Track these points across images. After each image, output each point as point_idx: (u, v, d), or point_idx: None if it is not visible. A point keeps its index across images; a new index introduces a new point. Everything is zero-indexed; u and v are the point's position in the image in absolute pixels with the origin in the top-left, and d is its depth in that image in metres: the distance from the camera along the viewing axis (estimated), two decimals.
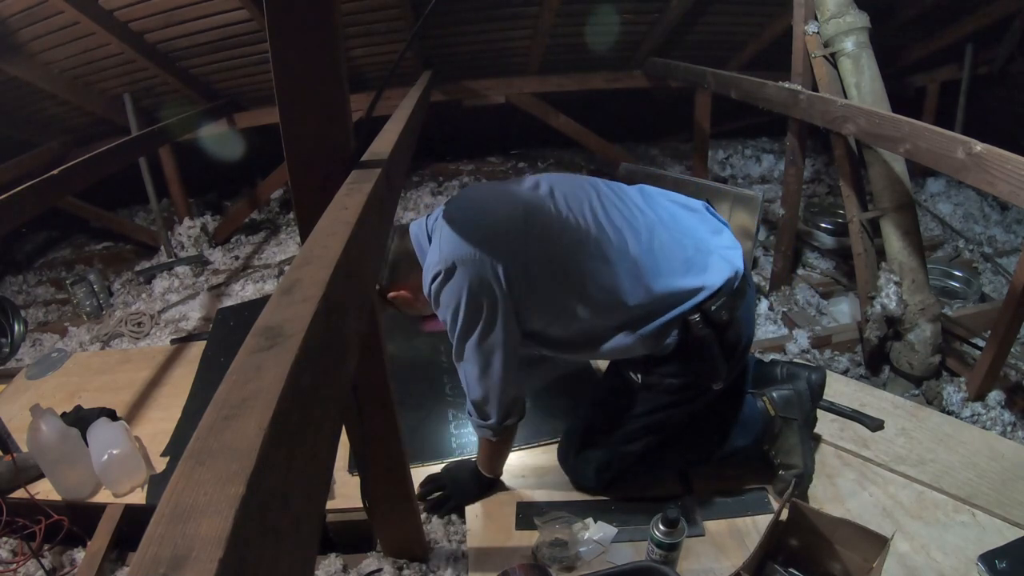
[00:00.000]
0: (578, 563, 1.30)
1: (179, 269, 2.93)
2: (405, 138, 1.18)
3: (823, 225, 2.73)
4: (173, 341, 2.32)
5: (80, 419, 1.64)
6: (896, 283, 1.90)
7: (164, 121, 2.56)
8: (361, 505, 1.21)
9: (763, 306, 2.38)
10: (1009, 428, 1.73)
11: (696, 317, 1.23)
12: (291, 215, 3.41)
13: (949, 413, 1.77)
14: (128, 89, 2.77)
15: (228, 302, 2.63)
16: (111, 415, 1.72)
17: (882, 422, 1.61)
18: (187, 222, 3.17)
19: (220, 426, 0.33)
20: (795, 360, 2.04)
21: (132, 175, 2.87)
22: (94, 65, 2.58)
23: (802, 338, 2.12)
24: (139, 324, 2.50)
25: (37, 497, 1.45)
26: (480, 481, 1.47)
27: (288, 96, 0.75)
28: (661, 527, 1.20)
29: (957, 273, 2.51)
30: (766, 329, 2.27)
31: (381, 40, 2.72)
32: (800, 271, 2.62)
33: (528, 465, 1.57)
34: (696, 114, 3.04)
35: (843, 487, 1.45)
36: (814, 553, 1.23)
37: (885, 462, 1.50)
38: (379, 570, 1.36)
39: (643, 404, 1.37)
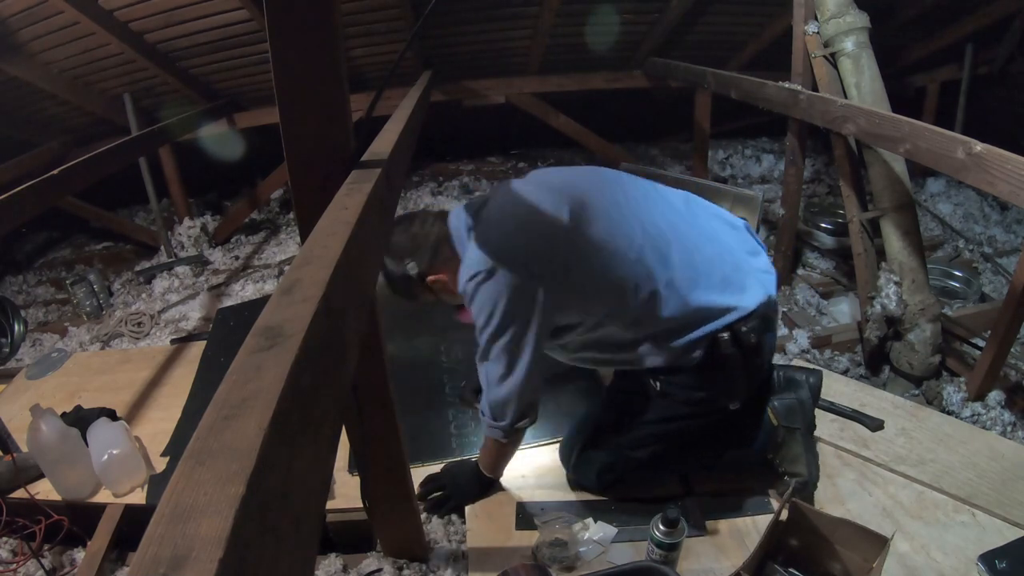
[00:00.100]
0: (578, 563, 1.30)
1: (179, 269, 2.93)
2: (405, 138, 1.18)
3: (823, 225, 2.73)
4: (173, 341, 2.32)
5: (80, 419, 1.64)
6: (896, 283, 1.90)
7: (164, 121, 2.56)
8: (361, 505, 1.21)
9: None
10: (1009, 428, 1.73)
11: (726, 336, 1.23)
12: (291, 215, 3.41)
13: (949, 413, 1.77)
14: (128, 89, 2.77)
15: (228, 302, 2.63)
16: (111, 415, 1.72)
17: (882, 422, 1.61)
18: (187, 222, 3.17)
19: (220, 426, 0.33)
20: (792, 363, 2.04)
21: (132, 175, 2.86)
22: (94, 65, 2.58)
23: (802, 338, 2.12)
24: (139, 324, 2.50)
25: (37, 497, 1.45)
26: (480, 481, 1.46)
27: (288, 96, 0.75)
28: (661, 527, 1.20)
29: (957, 273, 2.51)
30: None
31: (381, 40, 2.72)
32: (800, 271, 2.62)
33: (528, 465, 1.57)
34: (696, 114, 3.04)
35: (843, 487, 1.45)
36: (814, 553, 1.23)
37: (885, 462, 1.50)
38: (379, 570, 1.36)
39: (657, 411, 1.37)
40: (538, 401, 1.34)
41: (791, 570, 1.24)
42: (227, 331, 2.24)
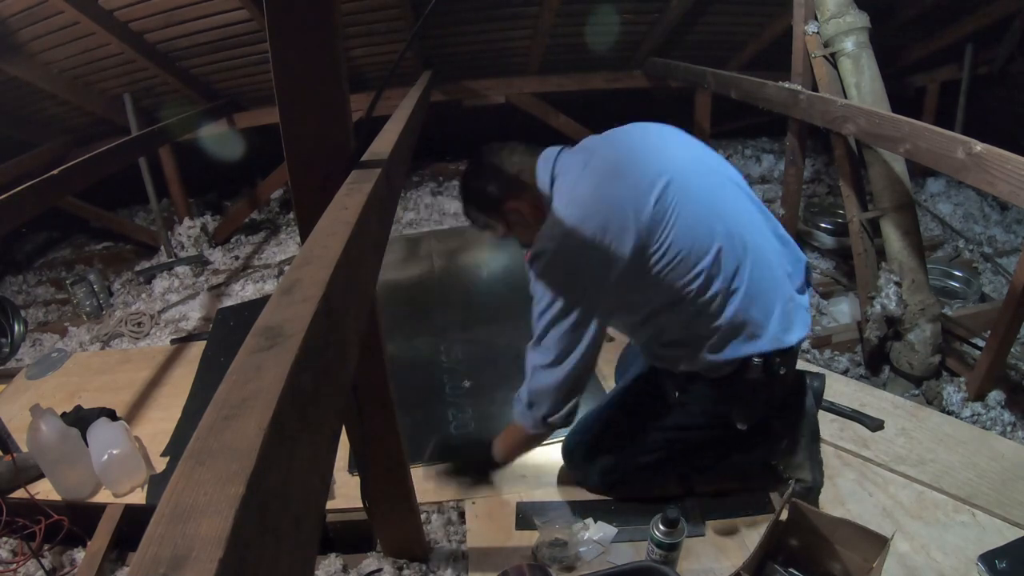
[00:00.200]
0: (578, 563, 1.30)
1: (179, 269, 2.93)
2: (405, 138, 1.18)
3: (823, 225, 2.73)
4: (173, 341, 2.32)
5: (80, 419, 1.64)
6: (896, 283, 1.90)
7: (164, 121, 2.56)
8: (361, 505, 1.21)
9: None
10: (1009, 428, 1.73)
11: (758, 362, 1.21)
12: (291, 215, 3.41)
13: (949, 413, 1.77)
14: (128, 89, 2.77)
15: (228, 302, 2.63)
16: (111, 415, 1.72)
17: (882, 422, 1.61)
18: (187, 222, 3.17)
19: (220, 426, 0.33)
20: None
21: (132, 175, 2.86)
22: (94, 65, 2.58)
23: None
24: (139, 324, 2.50)
25: (37, 497, 1.45)
26: (486, 458, 1.47)
27: (288, 96, 0.75)
28: (661, 527, 1.20)
29: (957, 273, 2.51)
30: None
31: (381, 40, 2.72)
32: None
33: (528, 465, 1.57)
34: (696, 114, 3.04)
35: (843, 487, 1.45)
36: (814, 553, 1.22)
37: (885, 462, 1.50)
38: (379, 570, 1.35)
39: (671, 418, 1.36)
40: (579, 401, 1.29)
41: (791, 570, 1.24)
42: (227, 331, 2.24)
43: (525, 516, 1.41)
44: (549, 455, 1.58)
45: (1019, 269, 1.63)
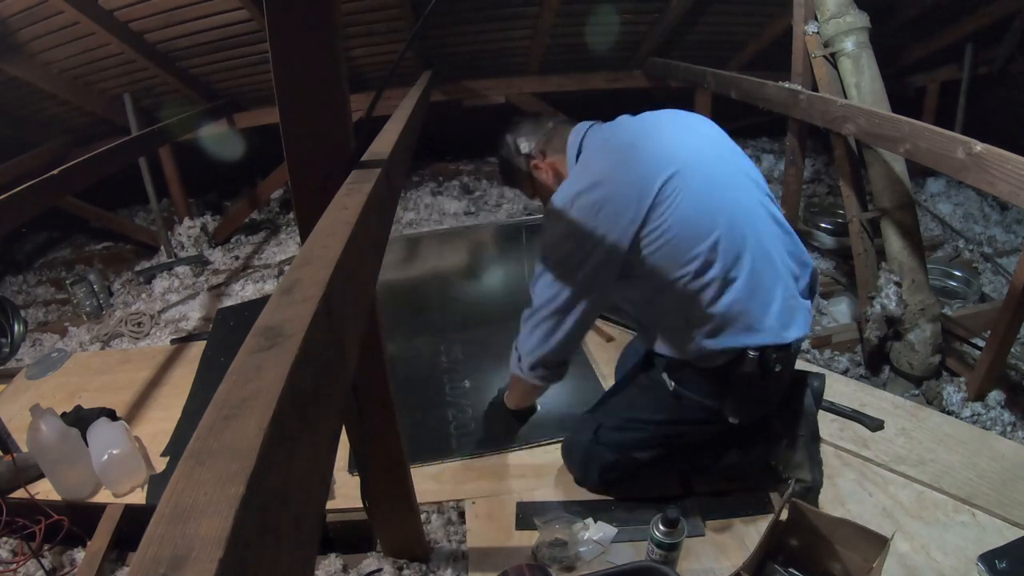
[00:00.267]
0: (578, 563, 1.30)
1: (179, 269, 2.93)
2: (405, 138, 1.18)
3: (823, 225, 2.73)
4: (173, 341, 2.32)
5: (80, 419, 1.64)
6: (896, 283, 1.90)
7: (164, 121, 2.56)
8: (361, 505, 1.21)
9: None
10: (1009, 428, 1.73)
11: (754, 355, 1.22)
12: (291, 215, 3.41)
13: (949, 413, 1.77)
14: (128, 89, 2.77)
15: (228, 302, 2.63)
16: (111, 415, 1.72)
17: (882, 422, 1.61)
18: (187, 222, 3.17)
19: (220, 426, 0.33)
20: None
21: (132, 175, 2.87)
22: (94, 65, 2.58)
23: None
24: (139, 324, 2.50)
25: (37, 497, 1.45)
26: (498, 406, 1.66)
27: (288, 96, 0.75)
28: (661, 527, 1.20)
29: (957, 273, 2.51)
30: None
31: (381, 40, 2.72)
32: None
33: (528, 465, 1.57)
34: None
35: (843, 487, 1.45)
36: (814, 553, 1.23)
37: (885, 462, 1.50)
38: (379, 570, 1.36)
39: (667, 412, 1.37)
40: (566, 364, 1.40)
41: (791, 570, 1.24)
42: (227, 331, 2.24)
43: (525, 516, 1.41)
44: (549, 455, 1.58)
45: (1019, 269, 1.63)
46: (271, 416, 0.33)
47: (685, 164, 1.19)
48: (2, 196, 1.39)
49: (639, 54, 3.15)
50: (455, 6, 2.59)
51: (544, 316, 1.30)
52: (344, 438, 1.12)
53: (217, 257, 3.08)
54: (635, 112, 1.37)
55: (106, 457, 1.47)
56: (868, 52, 1.92)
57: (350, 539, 1.43)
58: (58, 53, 2.46)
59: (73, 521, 1.45)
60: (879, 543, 1.13)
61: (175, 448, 1.66)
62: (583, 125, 1.36)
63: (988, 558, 1.22)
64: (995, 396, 1.79)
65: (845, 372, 2.01)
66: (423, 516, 1.44)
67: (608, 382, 1.81)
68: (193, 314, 2.57)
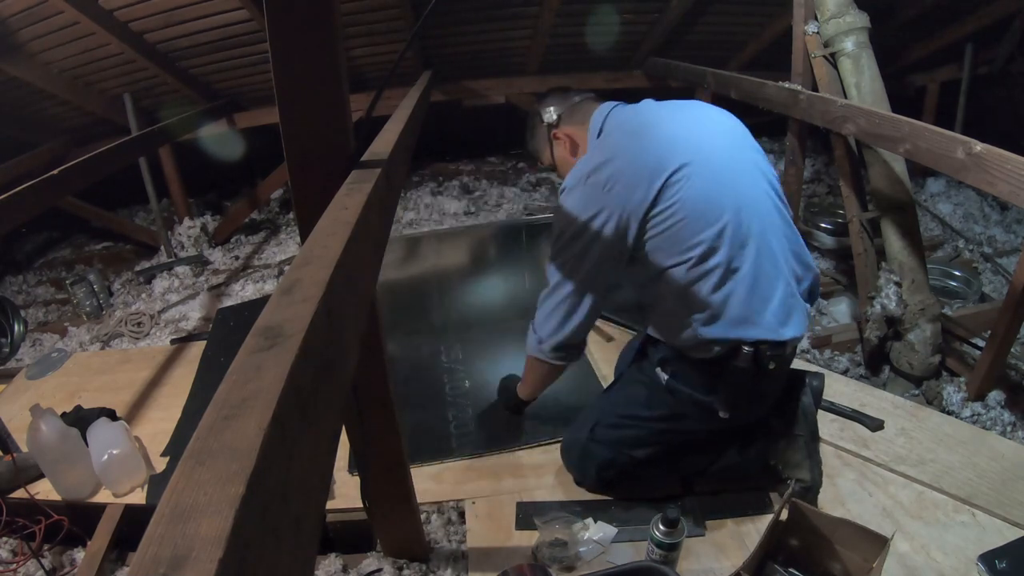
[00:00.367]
0: (578, 563, 1.30)
1: (179, 269, 2.93)
2: (405, 138, 1.18)
3: (823, 225, 2.73)
4: (173, 341, 2.32)
5: (80, 419, 1.64)
6: (896, 283, 1.90)
7: (164, 121, 2.56)
8: (361, 505, 1.21)
9: None
10: (1009, 428, 1.73)
11: (748, 350, 1.23)
12: (291, 215, 3.41)
13: (949, 413, 1.77)
14: (128, 89, 2.77)
15: (228, 302, 2.63)
16: (111, 415, 1.72)
17: (882, 422, 1.61)
18: (187, 222, 3.17)
19: (220, 426, 0.33)
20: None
21: (132, 175, 2.86)
22: (94, 65, 2.58)
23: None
24: (139, 324, 2.50)
25: (37, 497, 1.46)
26: (510, 394, 1.63)
27: (288, 96, 0.75)
28: (661, 527, 1.20)
29: (957, 273, 2.51)
30: None
31: (381, 40, 2.72)
32: None
33: (528, 465, 1.57)
34: None
35: (843, 487, 1.45)
36: (814, 553, 1.23)
37: (885, 462, 1.50)
38: (379, 570, 1.36)
39: (661, 407, 1.37)
40: (585, 339, 1.40)
41: (791, 570, 1.24)
42: (227, 331, 2.24)
43: (525, 516, 1.41)
44: (549, 455, 1.58)
45: (1019, 269, 1.63)
46: (271, 416, 0.33)
47: (700, 151, 1.21)
48: (2, 196, 1.39)
49: (639, 54, 3.15)
50: (455, 6, 2.59)
51: (563, 297, 1.31)
52: (344, 438, 1.12)
53: (217, 257, 3.09)
54: None
55: (106, 457, 1.47)
56: (868, 52, 1.92)
57: (350, 539, 1.43)
58: (58, 53, 2.46)
59: (73, 521, 1.45)
60: (879, 543, 1.13)
61: (175, 448, 1.66)
62: (609, 104, 1.39)
63: (988, 558, 1.22)
64: (995, 396, 1.79)
65: (845, 372, 2.01)
66: (423, 516, 1.44)
67: (608, 382, 1.81)
68: (193, 314, 2.57)
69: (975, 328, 2.03)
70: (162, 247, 3.08)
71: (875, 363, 2.03)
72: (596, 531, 1.36)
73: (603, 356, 1.97)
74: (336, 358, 0.50)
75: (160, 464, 1.62)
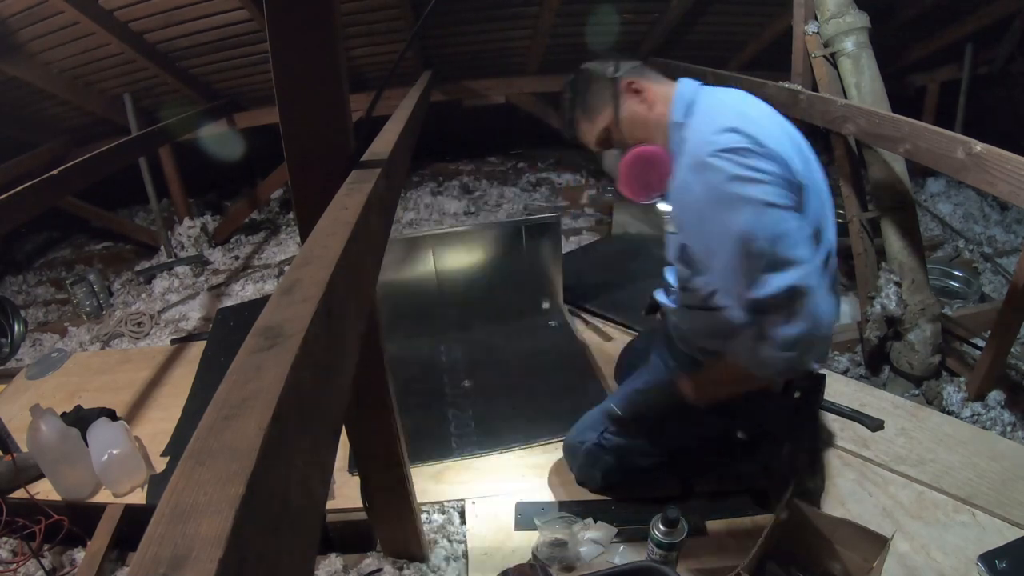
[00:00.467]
0: (578, 563, 1.30)
1: (179, 269, 2.93)
2: (405, 138, 1.18)
3: None
4: (173, 341, 2.32)
5: (80, 419, 1.64)
6: (896, 283, 1.90)
7: (164, 121, 2.57)
8: (361, 505, 1.21)
9: None
10: (1009, 428, 1.73)
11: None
12: (291, 215, 3.41)
13: (949, 413, 1.77)
14: (128, 89, 2.77)
15: (228, 302, 2.63)
16: (111, 415, 1.72)
17: (882, 422, 1.61)
18: (187, 222, 3.17)
19: (220, 426, 0.33)
20: None
21: (132, 175, 2.87)
22: (94, 65, 2.58)
23: None
24: (139, 324, 2.50)
25: (37, 497, 1.46)
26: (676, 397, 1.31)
27: (288, 96, 0.75)
28: (661, 527, 1.20)
29: (957, 273, 2.51)
30: None
31: (381, 40, 2.72)
32: None
33: (528, 465, 1.57)
34: None
35: (843, 487, 1.45)
36: (814, 553, 1.23)
37: (885, 462, 1.50)
38: (379, 570, 1.36)
39: (673, 424, 1.36)
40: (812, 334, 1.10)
41: (791, 570, 1.24)
42: (227, 331, 2.24)
43: (525, 516, 1.41)
44: (549, 455, 1.58)
45: (1019, 269, 1.63)
46: (271, 416, 0.33)
47: (809, 174, 1.10)
48: (2, 196, 1.39)
49: (639, 54, 3.14)
50: (455, 6, 2.59)
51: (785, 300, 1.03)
52: (344, 438, 1.12)
53: (217, 257, 3.09)
54: None
55: (106, 457, 1.47)
56: (868, 52, 1.92)
57: (350, 539, 1.42)
58: (58, 53, 2.46)
59: (73, 521, 1.45)
60: (879, 543, 1.13)
61: (175, 448, 1.66)
62: (690, 80, 1.20)
63: (988, 558, 1.22)
64: (995, 396, 1.79)
65: (845, 372, 2.01)
66: (423, 516, 1.44)
67: (608, 382, 1.82)
68: (193, 314, 2.57)
69: (975, 328, 2.03)
70: (162, 247, 3.08)
71: (875, 363, 2.02)
72: (596, 531, 1.36)
73: (603, 356, 1.97)
74: (336, 358, 0.50)
75: (160, 464, 1.61)
